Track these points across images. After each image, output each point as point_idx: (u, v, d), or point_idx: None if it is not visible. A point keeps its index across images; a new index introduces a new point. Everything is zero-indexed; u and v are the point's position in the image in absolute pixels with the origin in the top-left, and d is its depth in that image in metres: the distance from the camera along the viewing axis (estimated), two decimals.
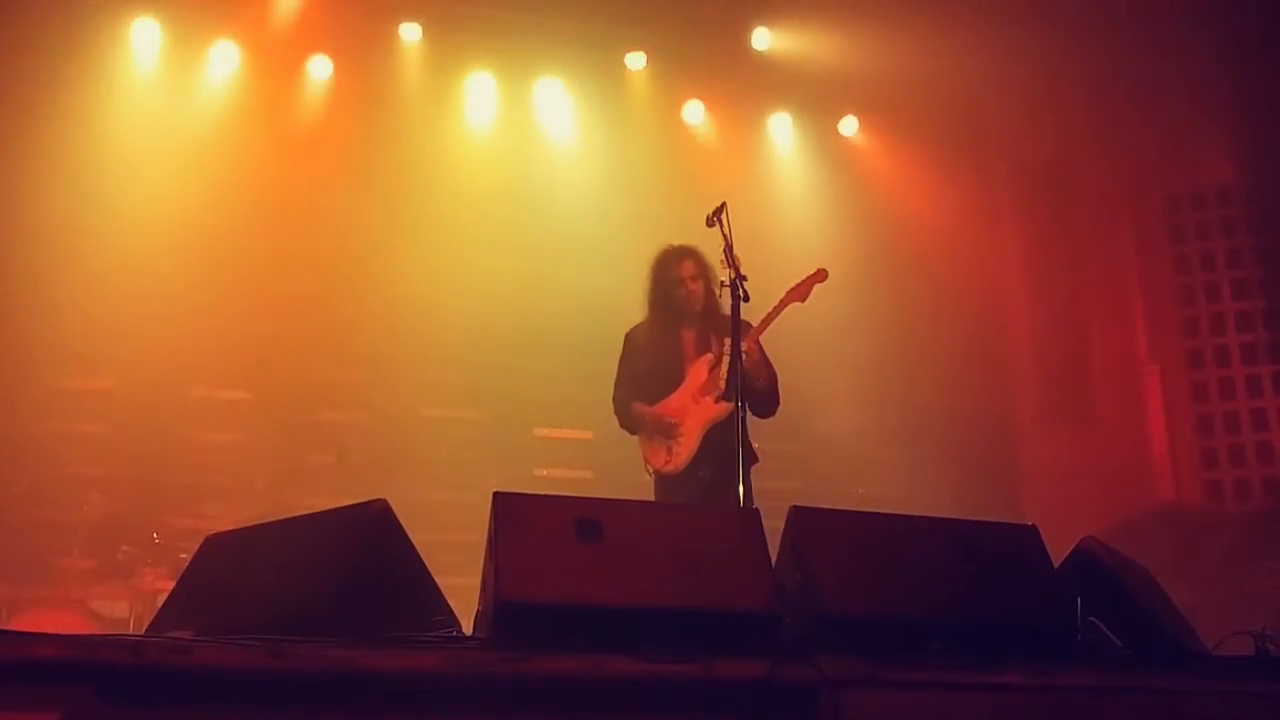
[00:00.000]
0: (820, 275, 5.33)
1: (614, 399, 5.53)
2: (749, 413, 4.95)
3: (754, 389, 5.06)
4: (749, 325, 5.12)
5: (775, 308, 5.21)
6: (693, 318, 5.43)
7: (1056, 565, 3.15)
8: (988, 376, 8.96)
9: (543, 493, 2.85)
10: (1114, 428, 8.96)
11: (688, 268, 5.38)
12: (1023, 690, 2.64)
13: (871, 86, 8.86)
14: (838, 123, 9.32)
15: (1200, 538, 7.78)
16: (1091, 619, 3.08)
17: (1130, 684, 2.76)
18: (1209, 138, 8.98)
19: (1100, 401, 9.11)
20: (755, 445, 5.01)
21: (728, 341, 4.86)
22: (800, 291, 5.27)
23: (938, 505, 3.83)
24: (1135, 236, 9.32)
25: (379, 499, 2.95)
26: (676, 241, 5.48)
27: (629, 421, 5.44)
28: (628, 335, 5.56)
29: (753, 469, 4.89)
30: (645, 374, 5.41)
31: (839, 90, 9.05)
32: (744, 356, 4.85)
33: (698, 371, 5.33)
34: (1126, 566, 3.32)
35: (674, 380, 5.35)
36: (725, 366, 5.13)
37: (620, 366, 5.54)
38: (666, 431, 5.29)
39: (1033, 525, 3.15)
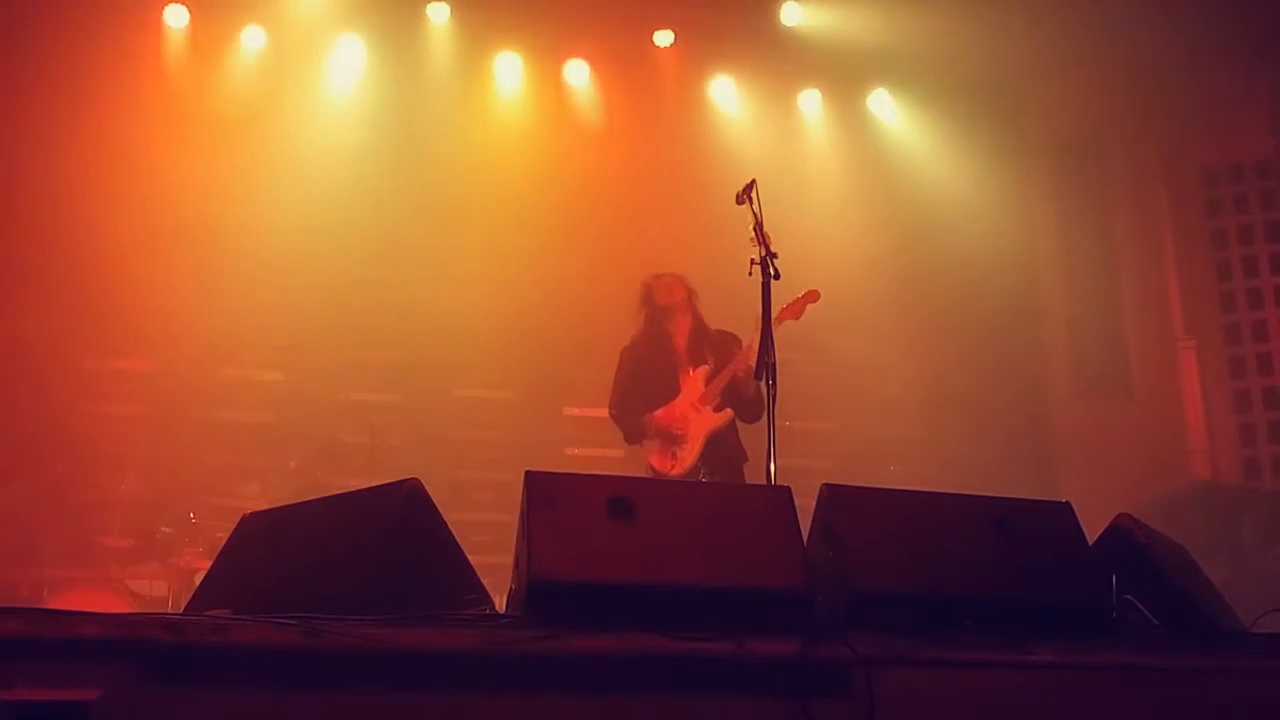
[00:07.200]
0: (812, 296, 5.48)
1: (615, 409, 5.76)
2: (738, 418, 5.54)
3: (743, 396, 5.45)
4: (738, 340, 5.52)
5: (767, 328, 5.02)
6: (684, 336, 5.71)
7: (1091, 542, 3.13)
8: (1022, 353, 8.91)
9: (574, 471, 2.87)
10: (1149, 404, 8.88)
11: (679, 294, 5.71)
12: (1056, 668, 2.62)
13: (903, 61, 8.80)
14: (868, 98, 9.23)
15: (1237, 514, 7.69)
16: (1127, 596, 3.06)
17: (1164, 662, 2.74)
18: (1246, 110, 8.85)
19: (1135, 377, 9.02)
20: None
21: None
22: (793, 311, 5.37)
23: (971, 482, 3.82)
24: (1171, 211, 9.21)
25: (412, 478, 2.96)
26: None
27: (634, 428, 5.68)
28: (623, 351, 5.82)
29: (744, 466, 5.45)
30: (644, 386, 5.65)
31: (870, 65, 8.98)
32: (735, 371, 5.40)
33: (694, 383, 5.59)
34: (1162, 544, 3.29)
35: (671, 392, 5.61)
36: (720, 379, 5.50)
37: (617, 379, 5.79)
38: (673, 438, 5.53)
39: (1067, 502, 3.13)
